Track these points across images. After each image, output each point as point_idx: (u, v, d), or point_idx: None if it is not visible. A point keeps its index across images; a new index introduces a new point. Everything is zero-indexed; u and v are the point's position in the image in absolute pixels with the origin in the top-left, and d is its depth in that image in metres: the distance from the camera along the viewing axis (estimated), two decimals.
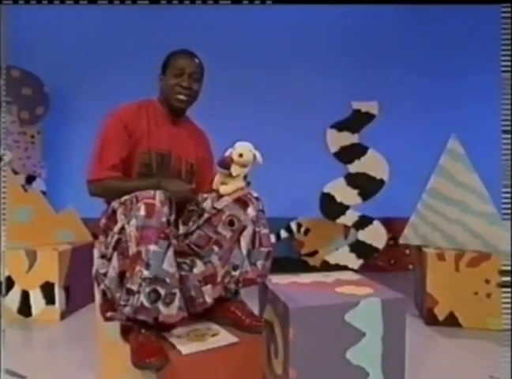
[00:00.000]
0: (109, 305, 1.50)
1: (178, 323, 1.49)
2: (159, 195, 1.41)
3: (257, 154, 1.59)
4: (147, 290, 1.36)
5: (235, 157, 1.56)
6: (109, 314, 1.50)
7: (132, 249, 1.38)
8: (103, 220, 1.56)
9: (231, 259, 1.57)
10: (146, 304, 1.37)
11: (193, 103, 1.77)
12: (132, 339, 1.46)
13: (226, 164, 1.58)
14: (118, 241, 1.46)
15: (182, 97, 1.69)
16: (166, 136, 1.72)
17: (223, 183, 1.60)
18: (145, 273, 1.35)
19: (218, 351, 1.48)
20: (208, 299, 1.57)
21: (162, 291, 1.38)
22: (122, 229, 1.44)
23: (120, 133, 1.63)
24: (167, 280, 1.39)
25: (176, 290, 1.42)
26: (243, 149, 1.57)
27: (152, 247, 1.36)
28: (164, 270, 1.38)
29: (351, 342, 1.55)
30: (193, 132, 1.84)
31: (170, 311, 1.41)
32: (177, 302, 1.42)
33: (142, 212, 1.37)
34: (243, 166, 1.58)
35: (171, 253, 1.40)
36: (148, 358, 1.36)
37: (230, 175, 1.58)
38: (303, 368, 1.50)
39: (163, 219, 1.39)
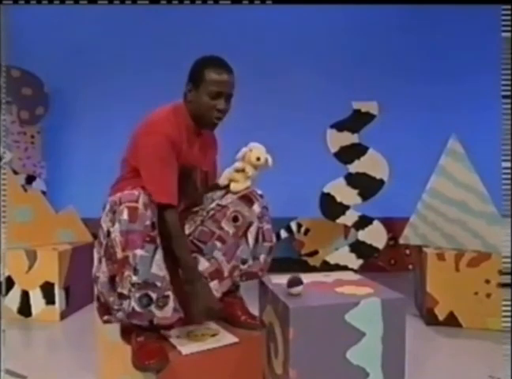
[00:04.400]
0: (105, 308, 1.50)
1: (176, 323, 1.49)
2: (142, 198, 1.39)
3: (269, 158, 1.65)
4: (137, 295, 1.36)
5: (253, 160, 1.62)
6: (106, 318, 1.50)
7: (119, 254, 1.36)
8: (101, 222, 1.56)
9: (239, 253, 1.60)
10: (138, 309, 1.37)
11: None
12: (132, 340, 1.46)
13: None
14: (106, 245, 1.44)
15: (217, 121, 1.59)
16: (194, 150, 1.63)
17: (232, 180, 1.64)
18: (134, 278, 1.35)
19: (218, 351, 1.48)
20: (216, 294, 1.59)
21: (153, 295, 1.37)
22: (109, 233, 1.42)
23: (172, 154, 1.52)
24: (158, 284, 1.38)
25: (169, 293, 1.41)
26: (260, 153, 1.63)
27: (139, 252, 1.34)
28: (153, 274, 1.37)
29: (351, 342, 1.55)
30: (209, 140, 1.75)
31: (164, 314, 1.40)
32: (171, 304, 1.42)
33: (125, 216, 1.35)
34: (257, 168, 1.64)
35: (159, 256, 1.39)
36: (147, 360, 1.36)
37: (241, 173, 1.63)
38: (303, 368, 1.50)
39: (148, 223, 1.37)
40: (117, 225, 1.37)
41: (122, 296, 1.39)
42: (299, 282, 1.62)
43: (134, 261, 1.34)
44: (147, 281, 1.36)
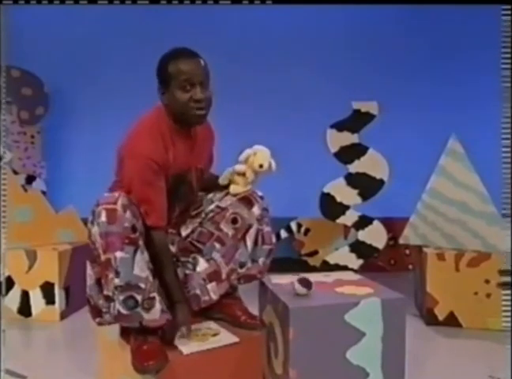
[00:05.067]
0: (96, 311, 1.49)
1: (165, 326, 1.47)
2: (121, 199, 1.37)
3: (273, 163, 1.60)
4: (121, 297, 1.35)
5: (256, 166, 1.57)
6: (98, 320, 1.50)
7: (102, 257, 1.36)
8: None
9: (237, 256, 1.58)
10: (123, 311, 1.36)
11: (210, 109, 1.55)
12: (131, 341, 1.46)
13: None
14: (90, 248, 1.44)
15: (200, 112, 1.47)
16: (186, 153, 1.55)
17: (232, 182, 1.62)
18: (116, 281, 1.34)
19: (218, 351, 1.48)
20: (214, 296, 1.58)
21: (139, 297, 1.36)
22: (90, 235, 1.42)
23: (158, 177, 1.46)
24: (142, 286, 1.36)
25: (155, 295, 1.40)
26: (264, 159, 1.57)
27: (119, 254, 1.33)
28: (136, 276, 1.35)
29: (351, 342, 1.54)
30: (203, 135, 1.65)
31: (152, 316, 1.39)
32: (158, 306, 1.41)
33: (103, 218, 1.34)
34: (258, 174, 1.60)
35: (140, 257, 1.37)
36: (146, 361, 1.36)
37: (242, 176, 1.60)
38: (303, 368, 1.50)
39: (126, 225, 1.35)
40: (96, 227, 1.36)
41: (108, 299, 1.39)
42: (309, 284, 1.60)
43: (115, 264, 1.33)
44: (129, 283, 1.35)
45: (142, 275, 1.37)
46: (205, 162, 1.70)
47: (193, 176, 1.61)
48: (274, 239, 1.70)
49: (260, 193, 1.64)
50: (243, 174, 1.60)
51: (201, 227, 1.63)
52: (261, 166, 1.57)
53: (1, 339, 2.13)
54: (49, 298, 2.73)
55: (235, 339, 1.54)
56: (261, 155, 1.58)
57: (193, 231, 1.64)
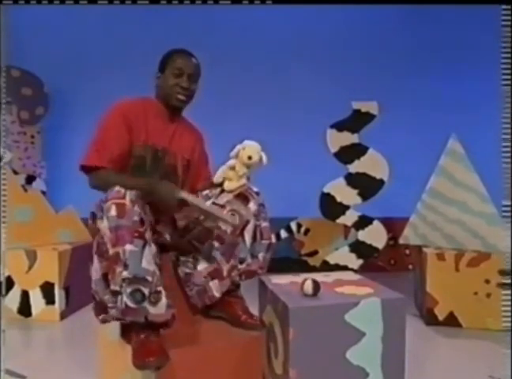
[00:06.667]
0: (101, 307, 1.49)
1: (170, 321, 1.47)
2: (129, 194, 1.40)
3: (264, 156, 1.64)
4: (128, 290, 1.35)
5: (245, 158, 1.60)
6: (101, 317, 1.50)
7: (110, 251, 1.37)
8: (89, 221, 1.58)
9: (236, 253, 1.60)
10: (131, 304, 1.36)
11: (190, 102, 1.78)
12: (132, 338, 1.46)
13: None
14: (98, 243, 1.44)
15: (181, 97, 1.70)
16: (163, 133, 1.72)
17: (226, 179, 1.64)
18: (124, 273, 1.34)
19: (218, 351, 1.48)
20: (217, 293, 1.61)
21: (145, 290, 1.36)
22: (98, 230, 1.43)
23: (120, 125, 1.63)
24: (149, 279, 1.37)
25: (161, 289, 1.41)
26: (253, 152, 1.61)
27: (128, 247, 1.34)
28: (144, 268, 1.37)
29: (351, 342, 1.55)
30: (188, 130, 1.84)
31: (158, 310, 1.40)
32: (164, 300, 1.41)
33: (113, 213, 1.36)
34: (249, 167, 1.62)
35: (148, 251, 1.39)
36: (147, 357, 1.36)
37: (234, 171, 1.62)
38: (303, 368, 1.50)
39: (135, 218, 1.37)
40: (105, 222, 1.37)
41: (114, 293, 1.39)
42: (317, 289, 1.61)
43: (124, 257, 1.34)
44: (137, 276, 1.35)
45: (150, 268, 1.38)
46: (191, 154, 1.81)
47: (179, 162, 1.75)
48: (273, 240, 1.71)
49: (256, 189, 1.66)
50: (235, 169, 1.63)
51: (199, 225, 1.64)
52: (250, 158, 1.60)
53: (1, 339, 2.13)
54: (49, 298, 2.73)
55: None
56: (249, 148, 1.62)
57: (191, 229, 1.65)
